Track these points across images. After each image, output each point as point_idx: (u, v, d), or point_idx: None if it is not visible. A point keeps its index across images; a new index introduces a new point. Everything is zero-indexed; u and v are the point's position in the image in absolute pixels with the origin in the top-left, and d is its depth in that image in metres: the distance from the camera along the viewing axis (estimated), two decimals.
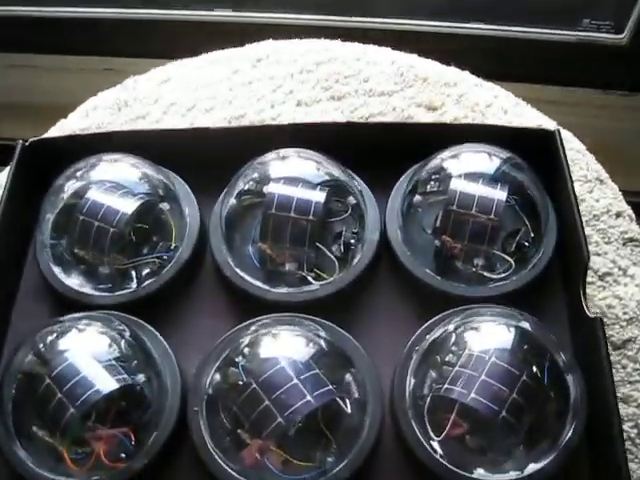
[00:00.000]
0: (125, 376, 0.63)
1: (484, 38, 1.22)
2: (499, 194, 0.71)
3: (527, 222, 0.73)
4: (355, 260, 0.73)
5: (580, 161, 0.88)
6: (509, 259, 0.71)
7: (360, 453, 0.60)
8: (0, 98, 1.41)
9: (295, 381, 0.59)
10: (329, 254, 0.73)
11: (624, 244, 0.80)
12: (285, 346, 0.64)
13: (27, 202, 0.78)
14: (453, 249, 0.71)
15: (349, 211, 0.75)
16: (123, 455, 0.62)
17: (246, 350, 0.63)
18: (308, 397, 0.58)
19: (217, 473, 0.60)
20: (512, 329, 0.64)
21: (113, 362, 0.64)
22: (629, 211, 0.84)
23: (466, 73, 1.00)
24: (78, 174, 0.76)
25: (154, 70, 1.03)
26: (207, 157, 0.77)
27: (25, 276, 0.78)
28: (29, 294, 0.76)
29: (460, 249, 0.71)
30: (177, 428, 0.63)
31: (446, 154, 0.76)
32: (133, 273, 0.73)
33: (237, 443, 0.60)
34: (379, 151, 0.77)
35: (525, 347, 0.62)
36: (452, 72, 1.00)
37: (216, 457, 0.61)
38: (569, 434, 0.60)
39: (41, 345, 0.65)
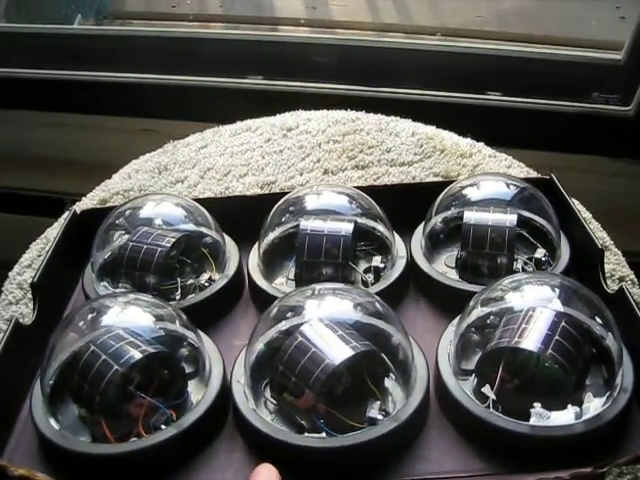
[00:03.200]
0: (164, 347, 0.64)
1: (499, 109, 1.31)
2: (512, 213, 0.76)
3: (542, 240, 0.78)
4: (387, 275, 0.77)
5: None
6: (532, 265, 0.75)
7: (407, 409, 0.60)
8: (43, 154, 1.50)
9: (340, 332, 0.61)
10: (360, 272, 0.77)
11: None
12: (329, 308, 0.65)
13: (74, 258, 0.83)
14: (476, 260, 0.75)
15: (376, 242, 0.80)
16: (164, 428, 0.61)
17: (290, 313, 0.65)
18: (353, 343, 0.60)
19: (270, 434, 0.59)
20: (549, 287, 0.65)
21: (160, 332, 0.66)
22: (631, 276, 0.87)
23: (481, 144, 1.08)
24: (128, 212, 0.81)
25: (192, 136, 1.11)
26: (243, 220, 0.82)
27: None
28: None
29: (482, 262, 0.75)
30: (219, 403, 0.63)
31: (464, 182, 0.82)
32: (175, 296, 0.76)
33: (284, 404, 0.61)
34: (399, 213, 0.81)
35: (564, 298, 0.64)
36: (468, 143, 1.08)
37: (265, 419, 0.61)
38: (619, 377, 0.61)
39: (88, 317, 0.66)
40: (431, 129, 1.11)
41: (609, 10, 1.52)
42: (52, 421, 0.62)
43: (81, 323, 0.66)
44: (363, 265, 0.79)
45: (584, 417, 0.58)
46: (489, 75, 1.32)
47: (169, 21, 1.58)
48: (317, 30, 1.51)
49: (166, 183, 1.03)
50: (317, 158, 1.06)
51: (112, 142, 1.33)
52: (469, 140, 1.09)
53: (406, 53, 1.33)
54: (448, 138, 1.09)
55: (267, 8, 1.65)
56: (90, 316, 0.66)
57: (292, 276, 0.78)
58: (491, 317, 0.65)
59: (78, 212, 0.86)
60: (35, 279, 0.74)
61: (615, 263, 0.88)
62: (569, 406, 0.59)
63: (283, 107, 1.16)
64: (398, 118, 1.13)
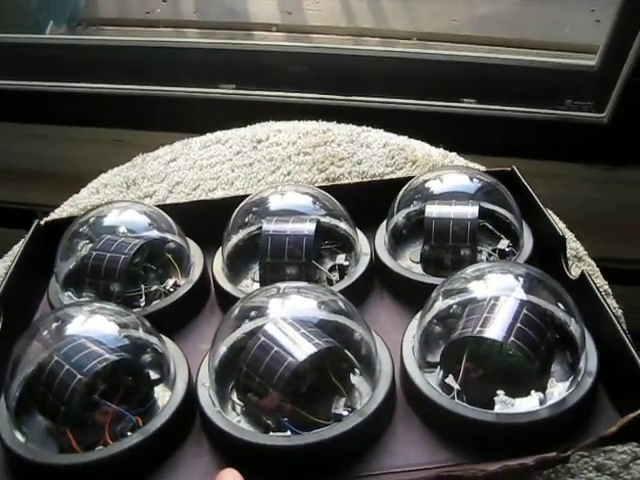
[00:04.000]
0: (127, 355, 0.63)
1: (473, 117, 1.32)
2: (473, 205, 0.76)
3: (505, 231, 0.78)
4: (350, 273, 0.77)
5: None
6: (495, 256, 0.76)
7: (372, 404, 0.60)
8: (14, 165, 1.49)
9: (302, 330, 0.61)
10: (325, 271, 0.77)
11: None
12: (292, 306, 0.65)
13: (38, 269, 0.82)
14: (440, 253, 0.75)
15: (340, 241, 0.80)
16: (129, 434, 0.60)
17: (253, 313, 0.65)
18: (316, 340, 0.60)
19: (236, 435, 0.59)
20: (510, 275, 0.66)
21: (124, 339, 0.65)
22: (605, 286, 0.86)
23: (454, 154, 1.07)
24: (91, 220, 0.80)
25: (162, 149, 1.11)
26: (206, 224, 0.82)
27: None
28: None
29: (445, 255, 0.75)
30: (185, 407, 0.63)
31: (425, 177, 0.82)
32: (139, 302, 0.76)
33: (250, 405, 0.61)
34: (362, 211, 0.81)
35: (525, 286, 0.64)
36: (440, 154, 1.07)
37: (231, 421, 0.61)
38: (583, 361, 0.61)
39: (51, 327, 0.66)
40: (403, 139, 1.10)
41: (584, 13, 1.54)
42: (18, 434, 0.61)
43: (44, 333, 0.66)
44: (328, 263, 0.79)
45: (548, 402, 0.58)
46: (462, 82, 1.32)
47: (143, 27, 1.58)
48: (289, 36, 1.52)
49: (134, 198, 1.02)
50: (287, 171, 1.05)
51: (84, 153, 1.32)
52: (441, 150, 1.08)
53: (378, 61, 1.33)
54: (420, 149, 1.08)
55: (241, 14, 1.65)
56: (53, 326, 0.66)
57: (257, 278, 0.78)
58: (454, 308, 0.65)
59: (42, 223, 0.85)
60: (0, 292, 0.73)
61: (589, 273, 0.87)
62: (532, 392, 0.59)
63: (254, 116, 1.15)
64: (370, 129, 1.12)
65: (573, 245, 0.91)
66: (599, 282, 0.87)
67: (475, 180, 0.80)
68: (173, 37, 1.54)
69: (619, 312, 0.81)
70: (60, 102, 1.44)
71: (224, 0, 1.70)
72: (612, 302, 0.83)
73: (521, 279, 0.64)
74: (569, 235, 0.93)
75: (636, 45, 1.18)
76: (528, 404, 0.58)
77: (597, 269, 0.89)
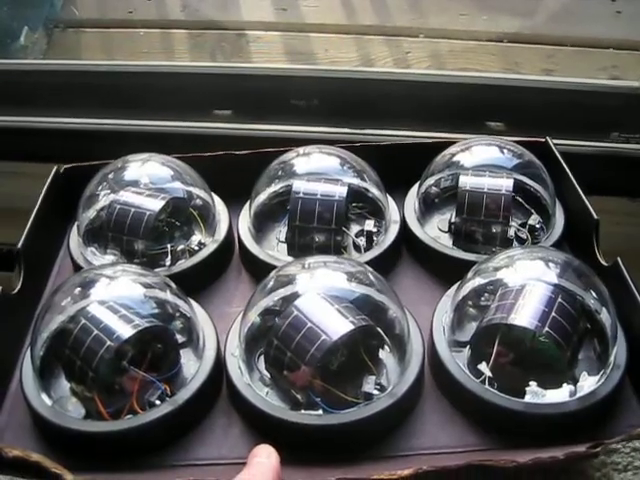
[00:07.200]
0: (156, 321, 0.63)
1: None
2: (508, 178, 0.75)
3: (537, 205, 0.78)
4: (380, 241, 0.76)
5: None
6: (525, 232, 0.75)
7: (403, 385, 0.60)
8: None
9: (336, 306, 0.61)
10: (353, 237, 0.76)
11: None
12: (325, 281, 0.65)
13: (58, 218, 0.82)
14: (471, 227, 0.75)
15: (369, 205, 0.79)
16: (158, 402, 0.60)
17: (286, 286, 0.64)
18: (350, 318, 0.60)
19: (268, 411, 0.59)
20: (545, 261, 0.65)
21: (152, 304, 0.65)
22: None
23: None
24: (114, 174, 0.78)
25: None
26: (232, 178, 0.80)
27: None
28: None
29: (477, 229, 0.74)
30: (214, 377, 0.63)
31: (455, 148, 0.81)
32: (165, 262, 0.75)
33: (279, 378, 0.61)
34: (392, 171, 0.80)
35: (561, 274, 0.64)
36: None
37: (260, 394, 0.61)
38: (614, 355, 0.61)
39: (77, 289, 0.65)
40: None
41: (604, 3, 1.44)
42: (44, 396, 0.62)
43: (71, 296, 0.65)
44: (355, 227, 0.78)
45: (578, 394, 0.59)
46: (490, 108, 1.15)
47: (126, 28, 1.45)
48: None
49: None
50: None
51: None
52: None
53: (400, 85, 1.14)
54: None
55: (233, 12, 1.52)
56: (80, 288, 0.65)
57: (283, 238, 0.77)
58: (487, 290, 0.65)
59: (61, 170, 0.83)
60: (20, 245, 0.72)
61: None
62: (564, 385, 0.59)
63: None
64: None
65: None
66: None
67: (510, 151, 0.79)
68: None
69: None
70: (27, 137, 1.19)
71: None
72: None
73: (557, 266, 0.64)
74: None
75: None
76: (558, 395, 0.59)
77: None
